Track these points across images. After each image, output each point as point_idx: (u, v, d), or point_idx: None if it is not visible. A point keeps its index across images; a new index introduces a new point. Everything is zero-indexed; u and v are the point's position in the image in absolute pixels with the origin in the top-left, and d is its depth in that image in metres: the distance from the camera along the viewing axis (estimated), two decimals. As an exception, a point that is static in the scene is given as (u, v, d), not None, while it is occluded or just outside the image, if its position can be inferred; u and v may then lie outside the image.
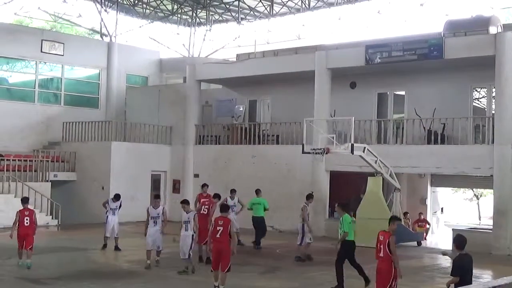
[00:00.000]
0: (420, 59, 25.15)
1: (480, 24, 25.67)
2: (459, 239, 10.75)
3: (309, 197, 21.08)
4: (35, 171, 29.96)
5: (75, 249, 21.63)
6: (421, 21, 38.12)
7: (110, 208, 21.67)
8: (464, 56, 24.11)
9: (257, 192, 23.60)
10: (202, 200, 20.16)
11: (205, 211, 19.61)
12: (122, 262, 19.40)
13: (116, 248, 21.35)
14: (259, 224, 23.11)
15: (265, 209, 23.28)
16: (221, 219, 14.54)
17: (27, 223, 17.86)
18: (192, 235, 16.70)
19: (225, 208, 15.26)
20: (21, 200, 18.91)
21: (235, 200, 23.08)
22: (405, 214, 23.60)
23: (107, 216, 21.62)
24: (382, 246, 12.28)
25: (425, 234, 26.21)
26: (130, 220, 28.32)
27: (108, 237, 21.54)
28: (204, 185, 21.49)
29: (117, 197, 21.92)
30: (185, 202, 17.18)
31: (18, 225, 17.85)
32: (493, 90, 24.64)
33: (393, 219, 12.83)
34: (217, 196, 20.77)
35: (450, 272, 10.80)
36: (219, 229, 14.31)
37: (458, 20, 27.78)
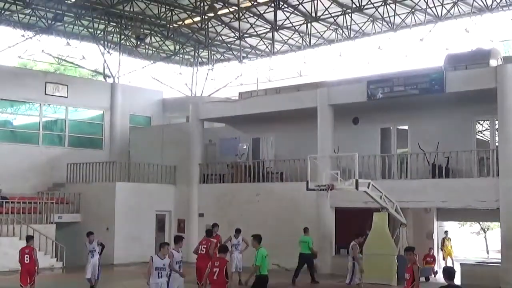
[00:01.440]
0: (422, 93, 25.18)
1: (480, 57, 25.77)
2: (447, 270, 11.22)
3: (359, 235, 21.06)
4: (39, 213, 29.89)
5: (80, 292, 21.49)
6: (421, 56, 38.33)
7: (89, 250, 20.98)
8: (466, 89, 24.08)
9: (305, 230, 24.02)
10: (203, 241, 19.97)
11: (203, 250, 19.47)
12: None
13: None
14: (306, 260, 23.71)
15: (308, 247, 23.78)
16: (218, 260, 14.29)
17: (27, 260, 18.72)
18: (167, 282, 15.69)
19: (223, 249, 14.87)
20: (26, 238, 19.70)
21: (239, 239, 23.02)
22: None
23: (88, 258, 20.98)
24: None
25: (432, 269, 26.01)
26: (134, 261, 28.22)
27: (89, 278, 20.77)
28: (216, 225, 21.55)
29: (88, 234, 21.20)
30: (165, 245, 15.74)
31: (20, 263, 18.75)
32: (496, 122, 24.63)
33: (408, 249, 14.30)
34: (210, 231, 20.49)
35: None
36: (216, 270, 14.02)
37: (458, 54, 27.91)
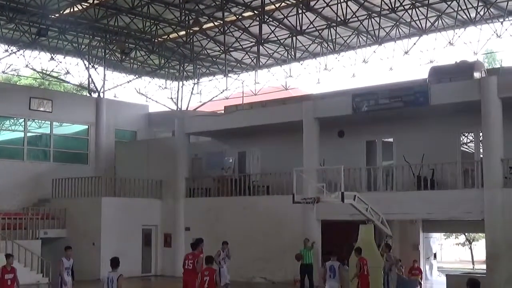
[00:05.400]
0: (407, 106, 25.34)
1: (464, 70, 25.98)
2: (471, 282, 10.61)
3: (388, 246, 22.19)
4: (24, 228, 29.72)
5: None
6: (406, 69, 38.53)
7: (65, 268, 19.13)
8: (450, 102, 24.27)
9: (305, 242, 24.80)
10: (189, 255, 19.72)
11: (189, 265, 19.33)
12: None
13: None
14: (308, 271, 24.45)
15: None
16: (207, 270, 15.23)
17: (9, 283, 17.30)
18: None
19: (209, 259, 15.69)
20: (5, 256, 18.22)
21: (226, 252, 22.94)
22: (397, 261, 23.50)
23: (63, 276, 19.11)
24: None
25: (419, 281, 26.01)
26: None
27: None
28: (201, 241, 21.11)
29: (67, 249, 19.53)
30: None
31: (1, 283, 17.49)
32: (481, 134, 24.80)
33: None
34: (195, 244, 19.84)
35: None
36: (206, 279, 14.94)
37: (442, 67, 28.14)
